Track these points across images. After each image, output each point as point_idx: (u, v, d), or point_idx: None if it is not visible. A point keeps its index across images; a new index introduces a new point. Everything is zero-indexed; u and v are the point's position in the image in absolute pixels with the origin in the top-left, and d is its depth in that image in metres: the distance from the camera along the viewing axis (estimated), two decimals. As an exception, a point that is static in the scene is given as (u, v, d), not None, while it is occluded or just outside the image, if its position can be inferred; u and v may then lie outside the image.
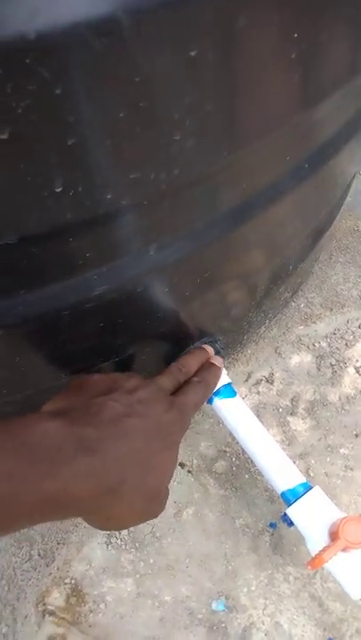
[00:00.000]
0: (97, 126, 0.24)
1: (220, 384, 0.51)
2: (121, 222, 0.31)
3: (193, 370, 0.44)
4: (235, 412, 0.50)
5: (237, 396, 0.52)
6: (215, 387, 0.45)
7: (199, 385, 0.41)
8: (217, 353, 0.52)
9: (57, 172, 0.25)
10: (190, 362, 0.44)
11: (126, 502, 0.31)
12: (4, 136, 0.22)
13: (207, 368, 0.45)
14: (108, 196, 0.28)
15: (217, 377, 0.45)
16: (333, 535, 0.44)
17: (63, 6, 0.20)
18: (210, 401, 0.51)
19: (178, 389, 0.40)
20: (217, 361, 0.46)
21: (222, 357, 0.54)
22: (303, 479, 0.48)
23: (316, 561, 0.44)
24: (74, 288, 0.33)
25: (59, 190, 0.25)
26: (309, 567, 0.44)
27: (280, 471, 0.48)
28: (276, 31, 0.27)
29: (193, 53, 0.24)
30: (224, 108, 0.28)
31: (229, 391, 0.51)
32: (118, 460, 0.31)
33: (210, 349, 0.49)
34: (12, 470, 0.26)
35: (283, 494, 0.48)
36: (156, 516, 0.35)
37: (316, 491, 0.47)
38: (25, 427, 0.29)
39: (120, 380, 0.37)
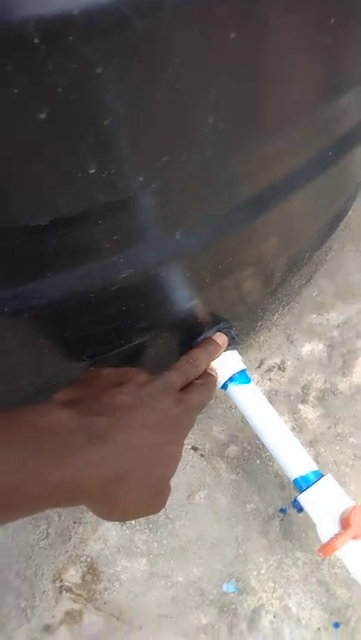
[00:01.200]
0: (133, 107, 0.24)
1: (235, 370, 0.51)
2: (150, 206, 0.31)
3: (203, 365, 0.44)
4: (249, 398, 0.51)
5: (252, 382, 0.52)
6: (215, 390, 0.46)
7: (203, 387, 0.42)
8: (232, 339, 0.52)
9: (91, 153, 0.25)
10: (201, 356, 0.45)
11: (132, 493, 0.32)
12: (43, 115, 0.22)
13: (207, 375, 0.45)
14: (140, 179, 0.28)
15: (215, 383, 0.46)
16: (345, 523, 0.45)
17: (109, -16, 0.20)
18: (224, 386, 0.51)
19: (184, 387, 0.41)
20: (213, 372, 0.47)
21: (237, 344, 0.54)
22: (315, 467, 0.48)
23: (327, 548, 0.44)
24: (100, 271, 0.33)
25: (92, 172, 0.25)
26: (321, 554, 0.45)
27: (293, 458, 0.48)
28: (311, 18, 0.26)
29: (232, 36, 0.24)
30: (258, 92, 0.28)
31: (244, 377, 0.52)
32: (128, 450, 0.31)
33: (221, 340, 0.49)
34: (26, 459, 0.26)
35: (295, 481, 0.48)
36: (157, 512, 0.36)
37: (329, 478, 0.47)
38: (37, 415, 0.29)
39: (130, 375, 0.37)
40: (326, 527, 0.46)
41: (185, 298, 0.43)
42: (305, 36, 0.28)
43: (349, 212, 0.67)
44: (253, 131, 0.30)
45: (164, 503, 0.36)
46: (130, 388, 0.35)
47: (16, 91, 0.21)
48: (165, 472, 0.35)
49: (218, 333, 0.50)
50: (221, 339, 0.49)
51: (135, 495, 0.32)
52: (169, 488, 0.36)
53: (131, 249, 0.33)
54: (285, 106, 0.31)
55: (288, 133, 0.34)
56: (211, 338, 0.49)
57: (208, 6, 0.22)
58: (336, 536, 0.44)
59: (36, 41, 0.19)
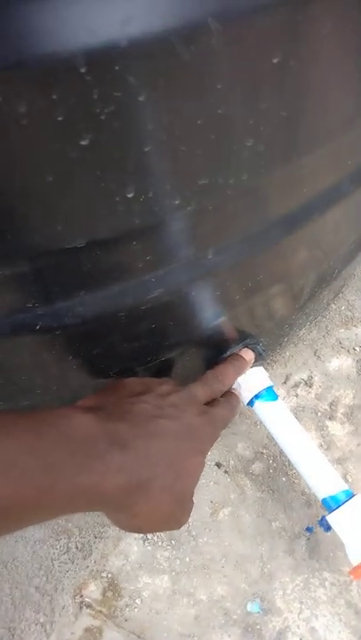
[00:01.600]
0: (174, 133, 0.24)
1: (262, 386, 0.50)
2: (183, 227, 0.31)
3: (229, 381, 0.44)
4: (276, 416, 0.50)
5: (279, 398, 0.51)
6: (239, 409, 0.45)
7: (226, 404, 0.41)
8: (259, 355, 0.52)
9: (130, 178, 0.25)
10: (227, 371, 0.44)
11: (154, 502, 0.31)
12: (85, 142, 0.22)
13: (230, 394, 0.45)
14: (176, 202, 0.27)
15: (239, 404, 0.45)
16: (377, 545, 0.44)
17: (156, 14, 0.19)
18: (250, 403, 0.51)
19: (206, 403, 0.40)
20: (236, 392, 0.47)
21: (263, 359, 0.54)
22: (345, 486, 0.47)
23: (358, 571, 0.43)
24: (132, 290, 0.33)
25: (130, 196, 0.25)
26: (352, 577, 0.44)
27: (322, 477, 0.48)
28: (352, 39, 0.26)
29: (275, 60, 0.23)
30: (297, 114, 0.28)
31: (271, 394, 0.51)
32: (149, 458, 0.31)
33: (248, 356, 0.49)
34: (54, 460, 0.26)
35: (324, 500, 0.47)
36: (179, 526, 0.35)
37: (359, 498, 0.46)
38: (62, 417, 0.29)
39: (153, 384, 0.37)
40: (357, 548, 0.45)
41: (213, 315, 0.42)
42: (346, 58, 0.27)
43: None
44: (292, 152, 0.30)
45: (187, 518, 0.36)
46: (152, 396, 0.35)
47: (60, 118, 0.21)
48: (187, 483, 0.34)
49: (245, 349, 0.50)
50: (248, 355, 0.49)
51: (156, 505, 0.32)
52: (192, 502, 0.35)
53: (163, 269, 0.33)
54: (322, 126, 0.31)
55: (324, 152, 0.33)
56: (237, 354, 0.49)
57: (253, 31, 0.22)
58: (368, 559, 0.44)
59: (83, 70, 0.19)
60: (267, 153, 0.28)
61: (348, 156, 0.36)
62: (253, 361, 0.50)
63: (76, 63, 0.19)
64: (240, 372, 0.47)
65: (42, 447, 0.27)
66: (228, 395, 0.44)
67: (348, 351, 0.67)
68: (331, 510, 0.46)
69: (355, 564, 0.44)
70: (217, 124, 0.24)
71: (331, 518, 0.46)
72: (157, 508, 0.32)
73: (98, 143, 0.22)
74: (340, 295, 0.71)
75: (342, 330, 0.69)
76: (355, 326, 0.69)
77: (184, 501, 0.34)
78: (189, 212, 0.29)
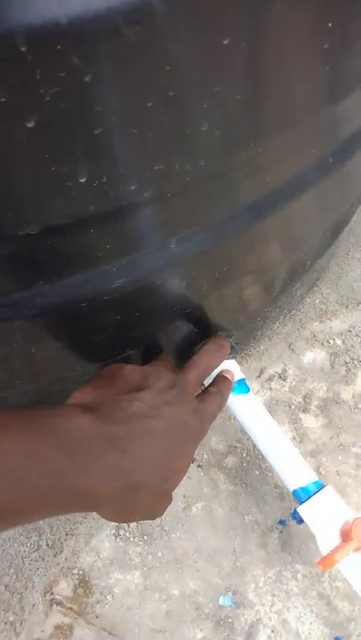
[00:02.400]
0: (124, 115, 0.23)
1: (234, 379, 0.50)
2: (143, 214, 0.30)
3: (215, 364, 0.44)
4: (248, 408, 0.50)
5: (251, 391, 0.51)
6: (227, 399, 0.45)
7: (217, 395, 0.42)
8: (231, 348, 0.51)
9: (82, 162, 0.24)
10: (213, 355, 0.44)
11: (141, 500, 0.33)
12: (31, 124, 0.22)
13: (223, 381, 0.45)
14: (132, 188, 0.27)
15: (230, 389, 0.46)
16: (345, 535, 0.44)
17: (97, -10, 0.19)
18: (222, 396, 0.51)
19: (198, 395, 0.41)
20: (228, 374, 0.47)
21: (236, 352, 0.54)
22: (316, 477, 0.47)
23: (327, 561, 0.43)
24: (93, 280, 0.33)
25: (83, 181, 0.25)
26: (321, 567, 0.44)
27: (292, 469, 0.48)
28: (310, 20, 0.26)
29: (225, 42, 0.23)
30: (253, 98, 0.27)
31: (243, 387, 0.51)
32: (143, 461, 0.32)
33: (224, 341, 0.48)
34: (54, 465, 0.27)
35: (295, 492, 0.47)
36: (155, 518, 0.37)
37: (329, 489, 0.46)
38: (61, 418, 0.29)
39: (150, 379, 0.37)
40: (327, 539, 0.45)
41: (181, 307, 0.42)
42: (300, 41, 0.27)
43: (353, 218, 0.66)
44: (249, 137, 0.30)
45: (165, 509, 0.37)
46: (148, 395, 0.35)
47: (3, 99, 0.20)
48: (173, 482, 0.35)
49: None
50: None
51: (144, 502, 0.33)
52: (171, 496, 0.37)
53: (124, 258, 0.33)
54: (282, 112, 0.30)
55: (285, 140, 0.33)
56: (216, 337, 0.48)
57: (200, 11, 0.22)
58: (337, 548, 0.44)
59: (24, 49, 0.19)
60: (224, 138, 0.28)
61: (312, 145, 0.36)
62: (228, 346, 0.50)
63: (15, 42, 0.19)
64: (224, 354, 0.47)
65: (42, 451, 0.27)
66: (220, 382, 0.44)
67: (323, 344, 0.67)
68: (301, 502, 0.46)
69: (324, 554, 0.44)
70: (168, 106, 0.24)
71: (301, 509, 0.46)
72: (144, 505, 0.33)
73: (44, 125, 0.22)
74: (315, 289, 0.72)
75: (317, 323, 0.69)
76: (329, 319, 0.69)
77: (167, 499, 0.36)
78: (148, 198, 0.28)
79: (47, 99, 0.21)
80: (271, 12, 0.23)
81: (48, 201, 0.25)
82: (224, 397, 0.43)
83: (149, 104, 0.23)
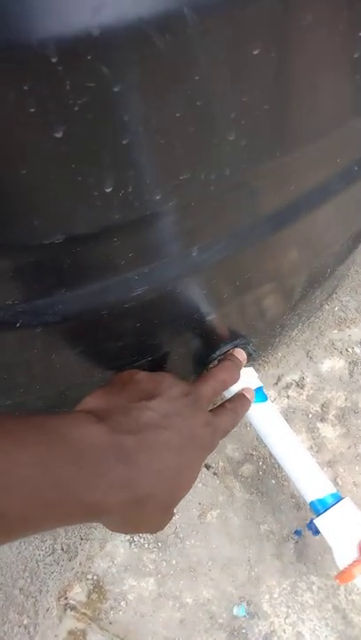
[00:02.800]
0: (152, 126, 0.23)
1: (251, 387, 0.50)
2: (166, 223, 0.30)
3: (231, 380, 0.43)
4: (265, 417, 0.49)
5: (268, 400, 0.50)
6: (243, 417, 0.45)
7: (230, 412, 0.41)
8: (249, 355, 0.51)
9: (108, 172, 0.24)
10: (229, 370, 0.44)
11: (147, 513, 0.32)
12: (59, 135, 0.21)
13: (240, 399, 0.44)
14: (157, 197, 0.27)
15: (246, 409, 0.45)
16: (364, 549, 0.43)
17: (129, 2, 0.19)
18: (240, 404, 0.50)
19: (212, 410, 0.40)
20: (248, 393, 0.46)
21: (254, 360, 0.53)
22: (333, 489, 0.47)
23: (345, 575, 0.43)
24: (114, 288, 0.33)
25: (109, 190, 0.25)
26: (338, 581, 0.43)
27: (310, 479, 0.47)
28: (341, 30, 0.25)
29: (255, 52, 0.23)
30: (280, 109, 0.27)
31: (260, 395, 0.50)
32: (151, 474, 0.31)
33: (241, 356, 0.48)
34: (63, 477, 0.27)
35: (312, 504, 0.47)
36: (157, 531, 0.36)
37: (347, 502, 0.46)
38: (72, 428, 0.29)
39: (163, 386, 0.36)
40: (344, 553, 0.44)
41: (201, 314, 0.42)
42: (330, 51, 0.27)
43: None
44: (275, 147, 0.29)
45: (168, 521, 0.36)
46: (160, 403, 0.35)
47: (32, 109, 0.20)
48: (179, 495, 0.35)
49: (238, 349, 0.49)
50: (242, 355, 0.48)
51: (150, 515, 0.33)
52: (174, 511, 0.36)
53: (146, 266, 0.33)
54: (308, 122, 0.30)
55: (311, 150, 0.33)
56: (232, 353, 0.48)
57: (231, 21, 0.21)
58: (355, 563, 0.43)
59: (54, 60, 0.19)
60: (250, 148, 0.27)
61: (337, 154, 0.36)
62: (245, 361, 0.50)
63: (46, 53, 0.19)
64: (239, 371, 0.47)
65: (52, 462, 0.27)
66: (237, 400, 0.44)
67: (341, 352, 0.66)
68: (318, 513, 0.46)
69: (341, 568, 0.44)
70: (196, 116, 0.24)
71: (318, 521, 0.45)
72: (148, 518, 0.33)
73: (72, 135, 0.22)
74: (334, 296, 0.71)
75: (335, 331, 0.68)
76: (348, 327, 0.68)
77: (170, 511, 0.35)
78: (172, 207, 0.28)
79: (76, 109, 0.21)
80: (302, 22, 0.23)
81: (74, 210, 0.25)
82: (238, 416, 0.42)
83: (177, 114, 0.23)
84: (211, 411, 0.39)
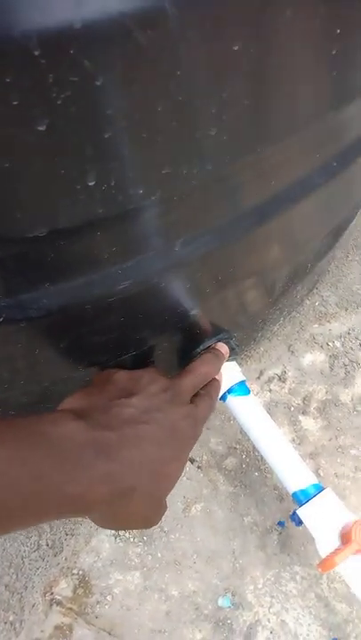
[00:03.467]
0: (134, 120, 0.23)
1: (234, 381, 0.50)
2: (149, 217, 0.30)
3: (212, 373, 0.44)
4: (248, 410, 0.50)
5: (251, 393, 0.51)
6: (217, 400, 0.45)
7: (207, 397, 0.41)
8: (232, 349, 0.52)
9: (91, 166, 0.24)
10: (211, 363, 0.44)
11: (133, 507, 0.32)
12: (42, 127, 0.22)
13: (211, 382, 0.45)
14: (140, 191, 0.27)
15: (218, 391, 0.45)
16: (345, 538, 0.44)
17: (111, -5, 0.19)
18: (223, 398, 0.51)
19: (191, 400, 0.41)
20: (218, 376, 0.46)
21: (236, 354, 0.54)
22: (315, 480, 0.47)
23: (327, 563, 0.44)
24: (98, 282, 0.33)
25: (92, 184, 0.25)
26: (320, 569, 0.44)
27: (292, 471, 0.48)
28: (319, 26, 0.26)
29: (235, 48, 0.23)
30: (260, 104, 0.28)
31: (243, 389, 0.51)
32: (132, 467, 0.31)
33: (224, 349, 0.49)
34: (42, 470, 0.27)
35: (294, 494, 0.47)
36: (151, 526, 0.36)
37: (328, 492, 0.47)
38: (52, 425, 0.29)
39: (142, 383, 0.37)
40: (326, 542, 0.45)
41: (185, 308, 0.42)
42: (309, 47, 0.27)
43: (353, 222, 0.66)
44: (256, 142, 0.30)
45: (160, 518, 0.36)
46: (140, 400, 0.35)
47: (15, 102, 0.20)
48: (166, 487, 0.35)
49: (220, 343, 0.50)
50: (224, 348, 0.49)
51: (136, 509, 0.33)
52: (166, 504, 0.36)
53: (130, 260, 0.33)
54: (288, 117, 0.31)
55: (290, 144, 0.33)
56: (215, 347, 0.49)
57: (210, 17, 0.22)
58: (336, 551, 0.44)
59: (37, 53, 0.19)
60: (231, 142, 0.28)
61: (316, 149, 0.36)
62: (228, 355, 0.50)
63: (29, 45, 0.19)
64: (221, 364, 0.47)
65: (31, 456, 0.27)
66: (208, 385, 0.44)
67: (322, 347, 0.67)
68: (301, 504, 0.46)
69: (324, 556, 0.44)
70: (178, 111, 0.24)
71: (301, 512, 0.46)
72: (136, 512, 0.33)
73: (55, 128, 0.22)
74: (315, 291, 0.72)
75: (316, 325, 0.69)
76: (328, 322, 0.69)
77: (160, 504, 0.35)
78: (154, 201, 0.29)
79: (59, 102, 0.21)
80: (281, 18, 0.23)
81: (57, 204, 0.25)
82: (213, 399, 0.43)
83: (159, 108, 0.24)
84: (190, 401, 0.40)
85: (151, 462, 0.33)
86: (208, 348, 0.48)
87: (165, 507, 0.36)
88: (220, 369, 0.46)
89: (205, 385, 0.44)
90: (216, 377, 0.46)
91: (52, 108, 0.21)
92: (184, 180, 0.28)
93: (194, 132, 0.26)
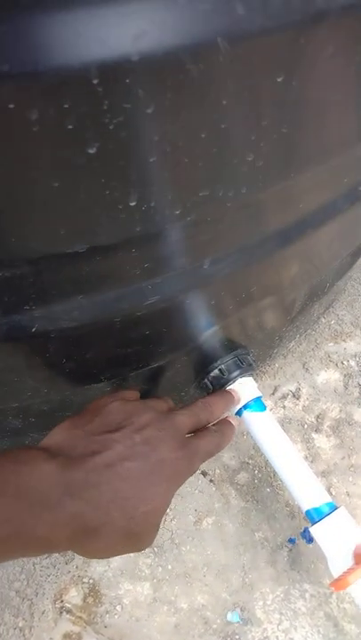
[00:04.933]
0: (178, 145, 0.24)
1: (250, 397, 0.51)
2: (183, 236, 0.31)
3: (218, 411, 0.43)
4: (264, 426, 0.50)
5: (267, 409, 0.52)
6: (230, 442, 0.45)
7: (216, 434, 0.40)
8: (249, 365, 0.52)
9: (134, 188, 0.25)
10: (218, 402, 0.44)
11: (104, 542, 0.32)
12: (92, 150, 0.23)
13: (226, 422, 0.44)
14: (177, 212, 0.28)
15: (233, 434, 0.44)
16: (358, 558, 0.44)
17: (167, 31, 0.20)
18: (239, 413, 0.51)
19: (195, 431, 0.40)
20: (234, 420, 0.45)
21: (253, 370, 0.54)
22: (329, 498, 0.48)
23: (340, 583, 0.44)
24: (128, 296, 0.34)
25: (133, 205, 0.26)
26: (333, 589, 0.44)
27: (306, 488, 0.48)
28: (357, 62, 0.27)
29: (279, 79, 0.24)
30: (296, 133, 0.29)
31: (259, 405, 0.51)
32: (99, 507, 0.31)
33: (236, 394, 0.49)
34: (12, 516, 0.28)
35: (307, 512, 0.48)
36: (140, 550, 0.35)
37: (342, 511, 0.47)
38: (25, 466, 0.30)
39: (135, 413, 0.36)
40: (338, 561, 0.45)
41: (206, 324, 0.43)
42: (346, 80, 0.28)
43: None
44: (290, 168, 0.31)
45: (150, 543, 0.35)
46: (126, 434, 0.34)
47: (70, 126, 0.21)
48: (145, 524, 0.33)
49: (233, 387, 0.49)
50: (235, 419, 0.47)
51: (108, 543, 0.32)
52: (155, 529, 0.35)
53: (160, 276, 0.34)
54: (320, 146, 0.32)
55: (321, 170, 0.34)
56: (227, 390, 0.48)
57: (257, 51, 0.23)
58: (350, 570, 0.44)
59: (95, 82, 0.20)
60: (266, 168, 0.29)
61: (344, 175, 0.37)
62: (243, 372, 0.51)
63: (88, 74, 0.20)
64: (230, 405, 0.47)
65: (6, 499, 0.28)
66: (222, 423, 0.43)
67: (337, 365, 0.68)
68: (314, 522, 0.47)
69: (336, 576, 0.45)
70: (220, 138, 0.25)
71: (314, 530, 0.46)
72: (110, 546, 0.32)
73: (104, 152, 0.23)
74: (331, 309, 0.72)
75: (331, 344, 0.70)
76: (344, 341, 0.70)
77: (141, 538, 0.34)
78: (189, 222, 0.29)
79: (110, 127, 0.22)
80: (322, 54, 0.24)
81: (99, 222, 0.26)
82: (225, 438, 0.41)
83: (203, 135, 0.24)
84: (193, 434, 0.39)
85: (124, 500, 0.32)
86: (216, 391, 0.47)
87: (156, 530, 0.35)
88: (225, 410, 0.45)
89: (220, 422, 0.43)
90: (233, 422, 0.45)
91: (104, 133, 0.22)
92: (219, 202, 0.29)
93: (232, 157, 0.27)
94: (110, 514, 0.31)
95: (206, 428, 0.40)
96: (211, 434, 0.40)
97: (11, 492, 0.28)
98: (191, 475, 0.37)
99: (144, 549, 0.35)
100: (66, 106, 0.20)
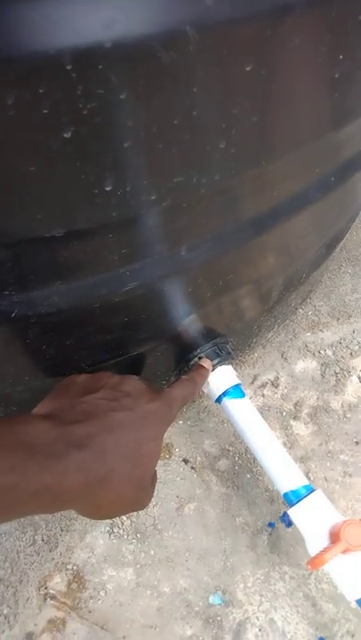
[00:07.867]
0: (152, 131, 0.25)
1: (229, 384, 0.52)
2: (159, 222, 0.32)
3: (199, 384, 0.46)
4: (243, 413, 0.52)
5: (246, 397, 0.53)
6: (202, 385, 0.47)
7: (188, 382, 0.43)
8: (227, 354, 0.53)
9: (110, 172, 0.26)
10: (196, 376, 0.46)
11: (115, 491, 0.33)
12: (67, 135, 0.23)
13: (198, 369, 0.47)
14: (152, 197, 0.29)
15: (204, 377, 0.47)
16: (334, 537, 0.45)
17: (138, 19, 0.21)
18: (218, 400, 0.52)
19: (169, 385, 0.42)
20: (205, 363, 0.48)
21: (232, 359, 0.55)
22: (306, 481, 0.49)
23: (316, 561, 0.45)
24: (106, 282, 0.35)
25: (108, 189, 0.27)
26: (309, 567, 0.45)
27: (284, 472, 0.49)
28: (324, 52, 0.28)
29: (248, 68, 0.25)
30: (267, 121, 0.30)
31: (238, 392, 0.53)
32: (106, 453, 0.32)
33: (207, 364, 0.50)
34: (14, 463, 0.28)
35: (285, 495, 0.49)
36: (143, 507, 0.37)
37: (319, 493, 0.48)
38: (21, 424, 0.30)
39: (104, 378, 0.38)
40: (316, 541, 0.46)
41: (185, 312, 0.44)
42: (314, 70, 0.29)
43: (347, 235, 0.69)
44: (261, 156, 0.32)
45: (150, 499, 0.37)
46: (105, 390, 0.36)
47: (45, 111, 0.22)
48: (145, 469, 0.35)
49: (203, 359, 0.51)
50: (207, 363, 0.50)
51: (119, 492, 0.33)
52: (153, 484, 0.37)
53: (137, 262, 0.35)
54: (292, 134, 0.33)
55: (293, 159, 0.35)
56: (200, 364, 0.50)
57: (227, 40, 0.24)
58: (326, 549, 0.45)
59: (69, 68, 0.21)
60: (237, 155, 0.30)
61: (316, 164, 0.39)
62: (221, 360, 0.52)
63: (62, 61, 0.21)
64: (205, 377, 0.49)
65: (3, 452, 0.28)
66: (194, 370, 0.46)
67: (314, 354, 0.69)
68: (292, 504, 0.48)
69: (313, 555, 0.46)
70: (192, 124, 0.26)
71: (292, 512, 0.48)
72: (119, 496, 0.34)
73: (79, 136, 0.24)
74: (308, 300, 0.74)
75: (309, 334, 0.71)
76: (321, 331, 0.71)
77: (145, 485, 0.36)
78: (164, 207, 0.30)
79: (85, 112, 0.23)
80: (290, 44, 0.25)
81: (75, 206, 0.27)
82: (197, 384, 0.44)
83: (175, 121, 0.25)
84: (167, 386, 0.41)
85: (125, 446, 0.34)
86: (191, 368, 0.49)
87: (153, 486, 0.37)
88: (203, 382, 0.47)
89: (191, 370, 0.46)
90: (205, 365, 0.47)
91: (78, 118, 0.23)
92: (193, 188, 0.30)
93: (205, 144, 0.28)
94: (117, 459, 0.33)
95: (178, 379, 0.43)
96: (182, 382, 0.43)
97: (10, 444, 0.28)
98: (172, 421, 0.39)
99: (147, 504, 0.37)
100: (41, 91, 0.21)
